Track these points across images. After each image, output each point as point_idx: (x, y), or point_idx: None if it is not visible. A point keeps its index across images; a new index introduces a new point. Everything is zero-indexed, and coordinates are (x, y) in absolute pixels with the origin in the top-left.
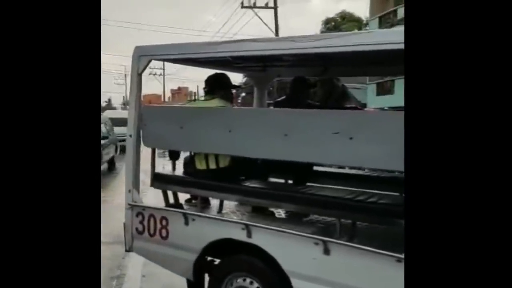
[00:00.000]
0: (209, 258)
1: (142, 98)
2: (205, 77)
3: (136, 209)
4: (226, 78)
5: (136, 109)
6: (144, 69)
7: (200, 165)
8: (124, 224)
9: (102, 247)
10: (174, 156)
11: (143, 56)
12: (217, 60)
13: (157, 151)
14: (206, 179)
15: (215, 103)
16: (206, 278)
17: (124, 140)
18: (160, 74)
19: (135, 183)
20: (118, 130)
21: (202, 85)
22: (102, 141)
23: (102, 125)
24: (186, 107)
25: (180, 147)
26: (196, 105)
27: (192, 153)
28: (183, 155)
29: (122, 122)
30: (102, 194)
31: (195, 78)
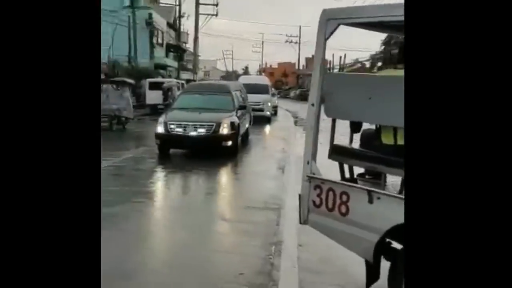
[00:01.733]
0: (389, 241)
1: (277, 66)
2: (347, 44)
3: (314, 182)
4: None
5: (320, 78)
6: (331, 34)
7: (387, 139)
8: (300, 195)
9: (255, 212)
10: (356, 128)
11: (331, 20)
12: None
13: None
14: (392, 155)
15: None
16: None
17: (257, 110)
18: (296, 42)
19: (314, 154)
20: (251, 97)
21: (341, 53)
22: (240, 111)
23: (238, 92)
24: (376, 76)
25: (367, 119)
26: (387, 74)
27: (378, 126)
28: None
29: (255, 88)
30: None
31: (332, 46)
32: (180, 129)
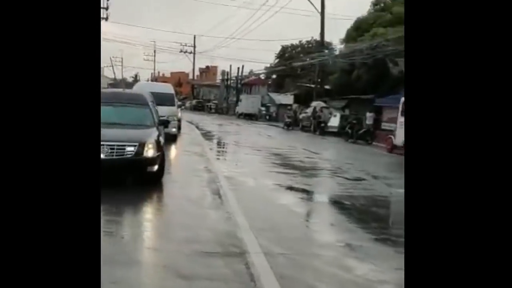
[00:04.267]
0: None
1: (169, 75)
2: (241, 55)
3: None
4: None
5: None
6: None
7: None
8: None
9: (216, 261)
10: None
11: None
12: None
13: None
14: None
15: None
16: None
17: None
18: (191, 52)
19: None
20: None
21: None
22: (159, 128)
23: (151, 104)
24: None
25: None
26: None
27: None
28: None
29: (159, 99)
30: None
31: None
32: None
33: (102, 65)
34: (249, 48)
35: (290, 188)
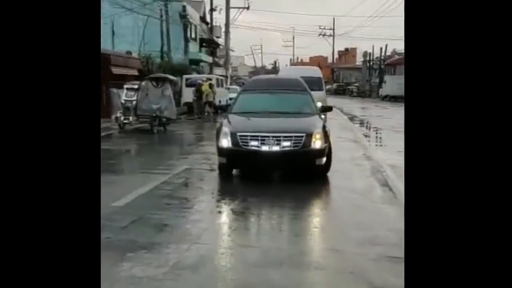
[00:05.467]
0: None
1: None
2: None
3: None
4: None
5: None
6: None
7: None
8: None
9: None
10: None
11: None
12: None
13: None
14: None
15: None
16: None
17: None
18: (330, 35)
19: None
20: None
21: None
22: (323, 115)
23: None
24: None
25: None
26: None
27: None
28: None
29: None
30: None
31: (369, 35)
32: (255, 143)
33: (242, 54)
34: (392, 26)
35: None
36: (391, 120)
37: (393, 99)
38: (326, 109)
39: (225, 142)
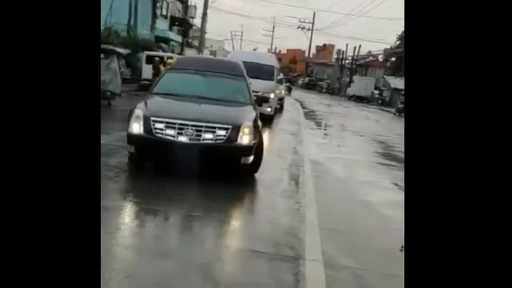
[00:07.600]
0: None
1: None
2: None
3: None
4: None
5: None
6: None
7: None
8: None
9: (259, 263)
10: None
11: None
12: None
13: None
14: None
15: None
16: None
17: None
18: (309, 29)
19: None
20: None
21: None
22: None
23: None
24: None
25: None
26: None
27: None
28: None
29: (255, 71)
30: None
31: (345, 34)
32: (171, 132)
33: (222, 37)
34: (369, 27)
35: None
36: (346, 119)
37: (358, 99)
38: (261, 100)
39: (136, 128)
